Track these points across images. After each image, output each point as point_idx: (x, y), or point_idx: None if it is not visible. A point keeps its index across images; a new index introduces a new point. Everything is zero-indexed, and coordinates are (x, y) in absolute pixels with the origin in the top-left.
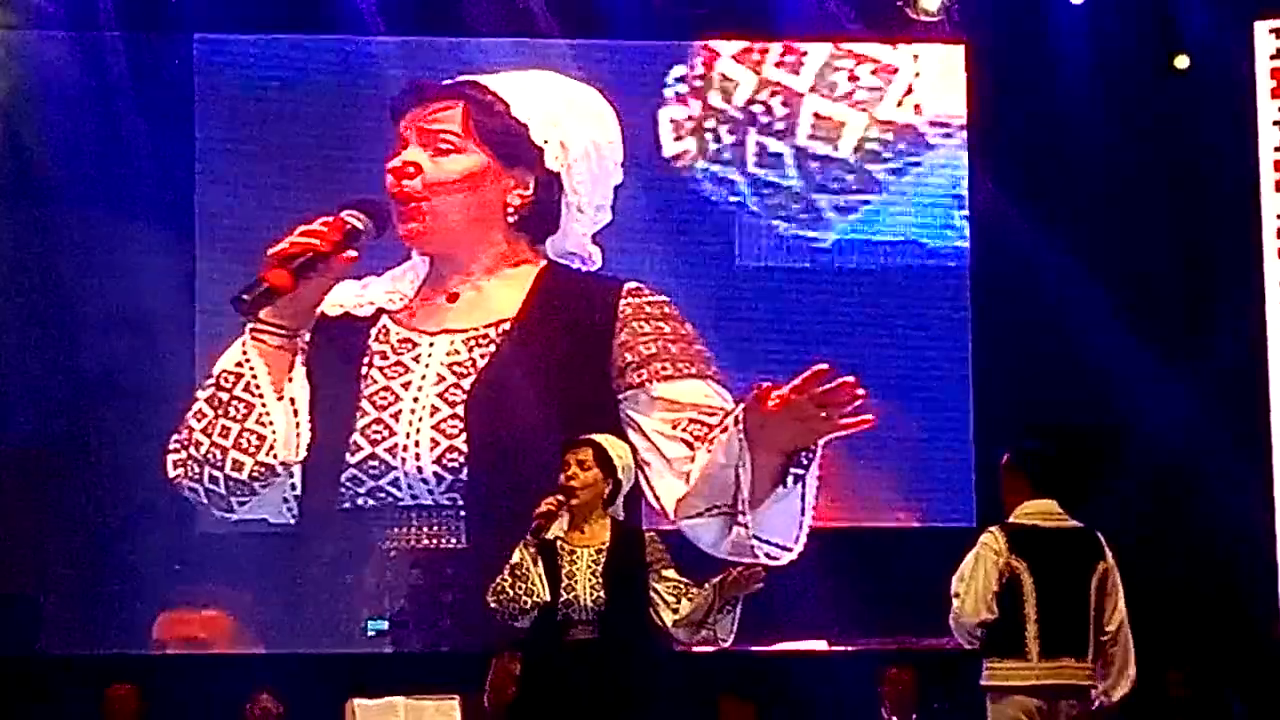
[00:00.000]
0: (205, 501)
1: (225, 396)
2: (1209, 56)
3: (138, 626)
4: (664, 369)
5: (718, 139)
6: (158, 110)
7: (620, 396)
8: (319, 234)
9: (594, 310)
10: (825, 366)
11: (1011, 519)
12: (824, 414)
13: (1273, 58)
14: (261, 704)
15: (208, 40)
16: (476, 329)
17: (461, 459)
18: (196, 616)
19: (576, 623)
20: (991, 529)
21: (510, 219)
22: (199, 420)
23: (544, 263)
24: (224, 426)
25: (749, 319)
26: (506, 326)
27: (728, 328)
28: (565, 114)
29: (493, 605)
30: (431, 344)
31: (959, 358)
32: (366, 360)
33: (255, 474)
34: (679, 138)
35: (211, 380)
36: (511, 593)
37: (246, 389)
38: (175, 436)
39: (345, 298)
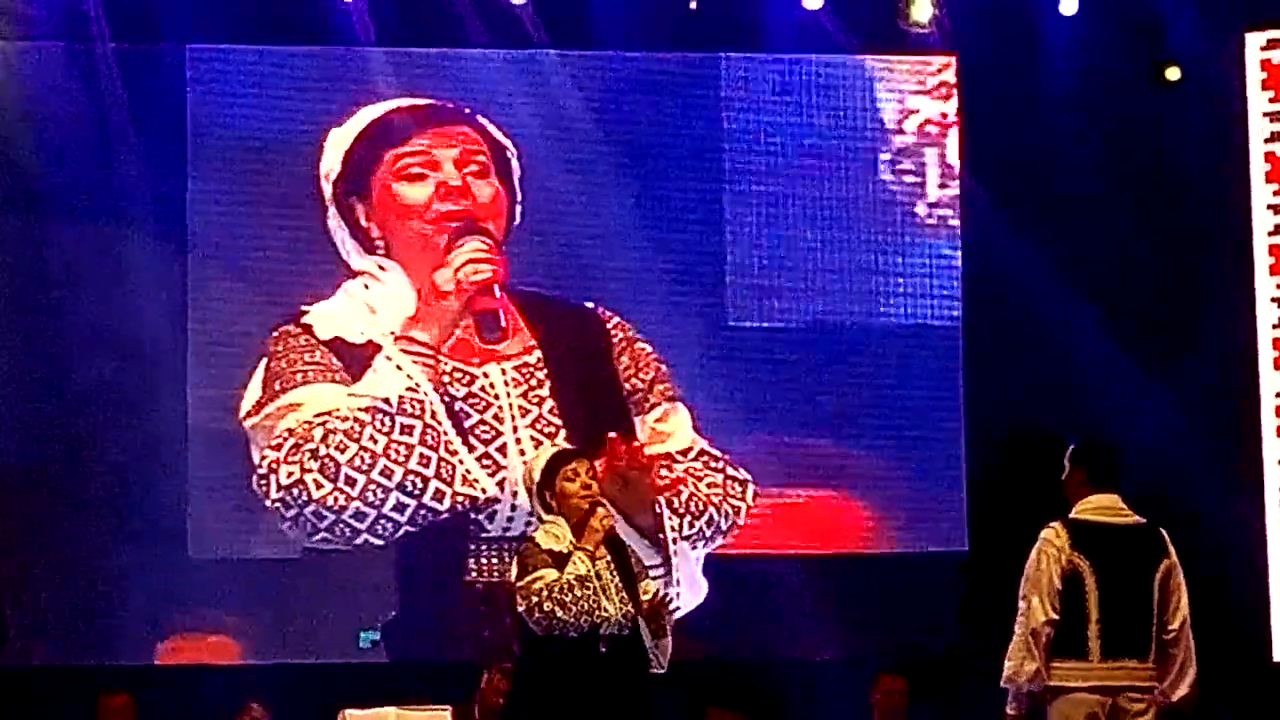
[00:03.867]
0: (363, 527)
1: (415, 424)
2: (1200, 68)
3: (131, 641)
4: (666, 389)
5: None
6: (150, 122)
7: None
8: (493, 259)
9: (591, 336)
10: (614, 435)
11: (1073, 514)
12: (631, 470)
13: (1264, 70)
14: (251, 714)
15: (200, 52)
16: (513, 356)
17: None
18: (201, 644)
19: (603, 637)
20: (1053, 524)
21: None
22: (373, 443)
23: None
24: (422, 455)
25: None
26: (540, 355)
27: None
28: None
29: (559, 615)
30: (486, 374)
31: (950, 383)
32: (441, 391)
33: (457, 504)
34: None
35: (384, 405)
36: (587, 604)
37: (433, 416)
38: (314, 458)
39: (349, 323)
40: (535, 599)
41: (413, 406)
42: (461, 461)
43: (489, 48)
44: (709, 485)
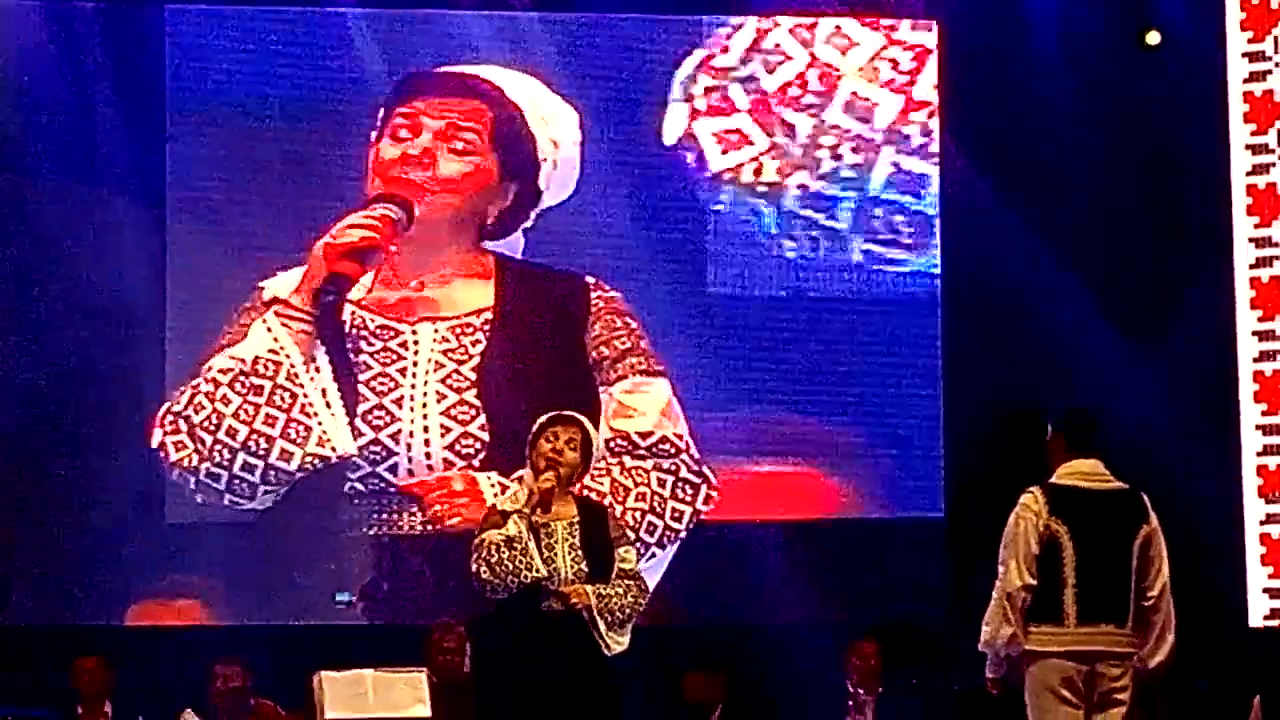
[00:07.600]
0: (220, 488)
1: (265, 384)
2: (1180, 32)
3: (107, 605)
4: (639, 363)
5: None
6: (129, 83)
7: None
8: (375, 226)
9: (566, 303)
10: None
11: (1053, 479)
12: None
13: (1243, 32)
14: (226, 674)
15: (181, 11)
16: (458, 317)
17: (478, 445)
18: (170, 608)
19: (554, 596)
20: (1032, 489)
21: (484, 228)
22: (225, 405)
23: (492, 257)
24: (268, 415)
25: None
26: (489, 316)
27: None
28: (558, 129)
29: (485, 576)
30: (415, 331)
31: (930, 350)
32: (351, 346)
33: (306, 464)
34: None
35: (240, 365)
36: (511, 565)
37: (289, 377)
38: (175, 420)
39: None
40: (473, 556)
41: (265, 367)
42: (321, 423)
43: (472, 9)
44: (652, 497)
